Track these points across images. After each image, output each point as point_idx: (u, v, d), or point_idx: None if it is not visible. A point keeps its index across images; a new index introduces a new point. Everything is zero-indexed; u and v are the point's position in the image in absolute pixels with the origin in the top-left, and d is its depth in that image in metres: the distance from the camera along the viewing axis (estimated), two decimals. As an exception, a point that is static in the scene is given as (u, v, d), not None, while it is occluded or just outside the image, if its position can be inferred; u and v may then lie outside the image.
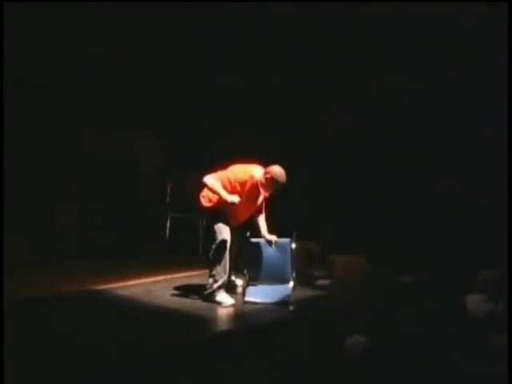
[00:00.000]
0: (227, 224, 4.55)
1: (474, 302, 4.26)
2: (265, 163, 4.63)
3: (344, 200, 6.50)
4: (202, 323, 4.13)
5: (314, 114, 6.85)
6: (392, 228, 6.03)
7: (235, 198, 4.46)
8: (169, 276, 5.46)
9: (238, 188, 4.51)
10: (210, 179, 4.53)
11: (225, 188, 4.50)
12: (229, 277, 4.73)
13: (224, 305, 4.50)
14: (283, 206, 4.97)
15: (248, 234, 4.91)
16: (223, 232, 4.51)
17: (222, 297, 4.54)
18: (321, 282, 5.42)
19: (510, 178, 4.39)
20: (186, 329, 3.97)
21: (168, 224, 6.62)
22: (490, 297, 4.25)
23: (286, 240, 4.88)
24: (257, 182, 4.52)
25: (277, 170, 4.51)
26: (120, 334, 3.79)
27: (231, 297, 4.62)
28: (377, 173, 6.38)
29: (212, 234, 4.55)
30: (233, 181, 4.52)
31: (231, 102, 7.13)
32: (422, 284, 5.10)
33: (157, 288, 5.01)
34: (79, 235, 6.84)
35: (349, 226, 6.19)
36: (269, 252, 4.87)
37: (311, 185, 6.45)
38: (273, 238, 4.86)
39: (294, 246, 4.86)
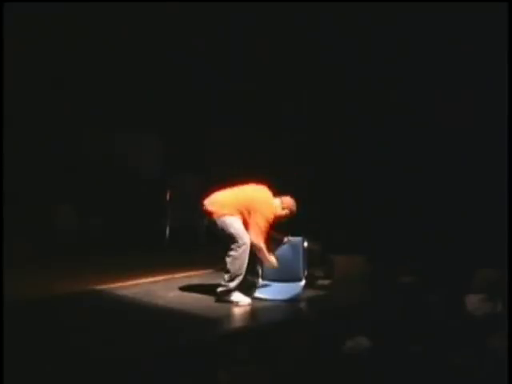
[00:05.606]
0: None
1: (473, 301, 4.26)
2: (271, 186, 4.69)
3: (344, 200, 6.50)
4: (202, 323, 4.13)
5: (313, 115, 6.86)
6: (392, 228, 6.04)
7: (274, 261, 4.67)
8: (169, 276, 5.47)
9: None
10: (261, 243, 4.54)
11: (244, 220, 4.55)
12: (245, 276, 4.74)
13: (241, 304, 4.51)
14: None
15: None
16: (243, 235, 4.49)
17: (239, 296, 4.54)
18: (321, 281, 5.42)
19: (510, 178, 4.39)
20: (186, 329, 3.96)
21: (168, 224, 6.62)
22: (489, 296, 4.25)
23: (298, 239, 5.00)
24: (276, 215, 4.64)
25: (292, 204, 4.70)
26: (120, 334, 3.79)
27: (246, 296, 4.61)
28: (377, 173, 6.38)
29: (231, 237, 4.48)
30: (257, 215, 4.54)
31: (233, 103, 7.14)
32: (422, 284, 5.10)
33: (157, 288, 5.01)
34: (79, 235, 6.85)
35: (349, 226, 6.20)
36: (281, 250, 4.97)
37: (311, 185, 6.45)
38: (285, 236, 4.97)
39: (306, 244, 4.97)
